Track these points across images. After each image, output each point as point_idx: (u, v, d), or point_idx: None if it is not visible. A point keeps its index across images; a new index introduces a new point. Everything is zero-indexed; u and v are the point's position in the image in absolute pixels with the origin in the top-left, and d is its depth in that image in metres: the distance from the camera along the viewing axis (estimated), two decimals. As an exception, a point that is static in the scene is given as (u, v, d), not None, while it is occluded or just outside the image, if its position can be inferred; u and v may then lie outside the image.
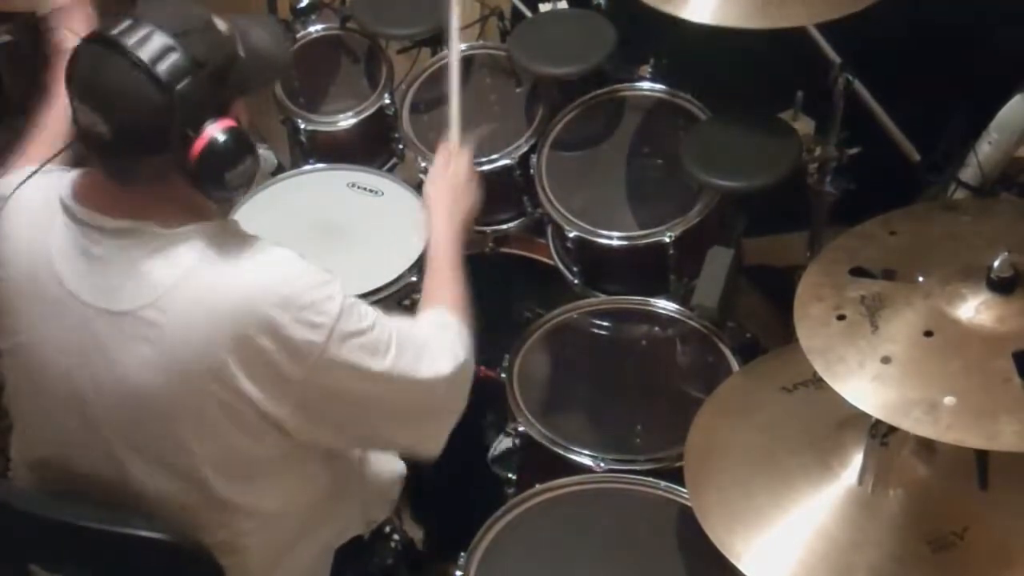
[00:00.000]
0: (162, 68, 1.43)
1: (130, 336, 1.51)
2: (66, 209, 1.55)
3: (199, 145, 1.47)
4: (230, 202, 1.62)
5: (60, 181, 1.58)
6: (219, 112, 1.49)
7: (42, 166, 1.61)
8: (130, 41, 1.44)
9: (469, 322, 1.78)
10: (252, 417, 1.53)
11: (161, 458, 1.57)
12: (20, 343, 1.60)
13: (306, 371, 1.52)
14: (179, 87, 1.44)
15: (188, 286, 1.49)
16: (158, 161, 1.49)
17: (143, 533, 1.55)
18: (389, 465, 1.94)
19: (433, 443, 1.69)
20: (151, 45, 1.44)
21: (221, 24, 1.53)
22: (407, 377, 1.61)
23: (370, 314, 1.59)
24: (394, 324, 1.63)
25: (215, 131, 1.47)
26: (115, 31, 1.45)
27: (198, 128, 1.47)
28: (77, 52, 1.49)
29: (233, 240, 1.55)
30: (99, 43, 1.46)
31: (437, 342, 1.68)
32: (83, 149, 1.54)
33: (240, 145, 1.50)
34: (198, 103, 1.46)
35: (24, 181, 1.60)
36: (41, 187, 1.59)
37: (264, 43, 1.59)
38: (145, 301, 1.50)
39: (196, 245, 1.52)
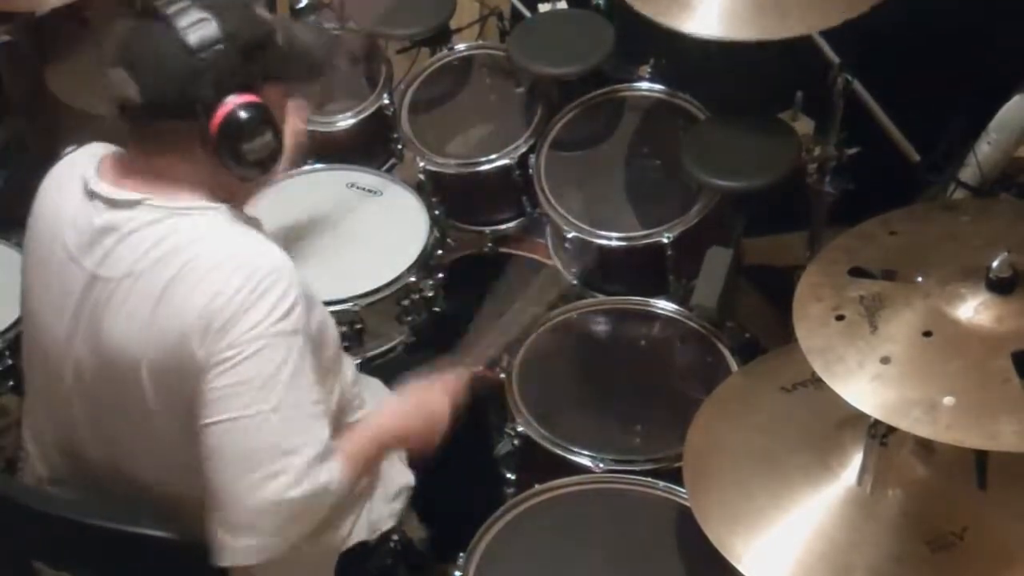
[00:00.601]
0: (194, 34, 1.50)
1: (117, 301, 1.54)
2: (83, 182, 1.59)
3: (221, 113, 1.52)
4: (251, 182, 1.63)
5: (90, 157, 1.63)
6: (246, 88, 1.54)
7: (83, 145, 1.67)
8: (168, 11, 1.51)
9: (358, 475, 1.65)
10: None
11: (150, 437, 1.57)
12: (33, 309, 1.65)
13: (230, 342, 1.49)
14: (209, 54, 1.50)
15: (174, 260, 1.51)
16: (183, 128, 1.53)
17: (148, 532, 1.56)
18: (398, 476, 1.93)
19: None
20: (187, 14, 1.51)
21: (263, 11, 1.59)
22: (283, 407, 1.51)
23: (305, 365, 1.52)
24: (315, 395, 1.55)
25: (237, 102, 1.52)
26: (156, 3, 1.52)
27: (222, 98, 1.52)
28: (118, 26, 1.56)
29: (231, 225, 1.57)
30: (139, 14, 1.53)
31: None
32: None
33: (261, 120, 1.54)
34: (226, 73, 1.51)
35: (63, 156, 1.66)
36: (74, 163, 1.65)
37: (305, 39, 1.65)
38: (130, 269, 1.53)
39: (192, 223, 1.54)
